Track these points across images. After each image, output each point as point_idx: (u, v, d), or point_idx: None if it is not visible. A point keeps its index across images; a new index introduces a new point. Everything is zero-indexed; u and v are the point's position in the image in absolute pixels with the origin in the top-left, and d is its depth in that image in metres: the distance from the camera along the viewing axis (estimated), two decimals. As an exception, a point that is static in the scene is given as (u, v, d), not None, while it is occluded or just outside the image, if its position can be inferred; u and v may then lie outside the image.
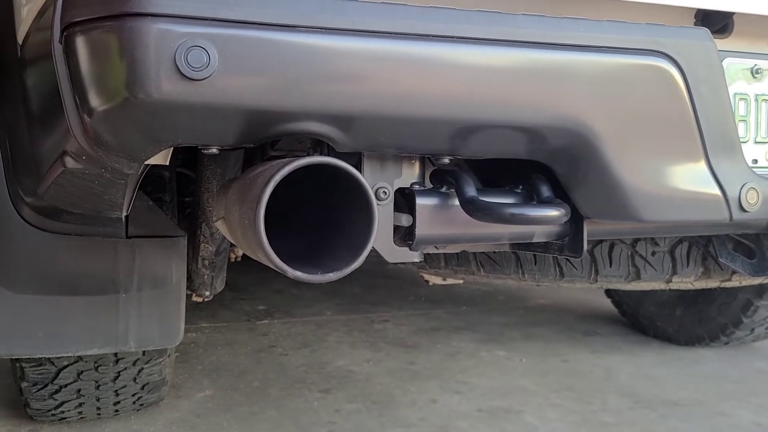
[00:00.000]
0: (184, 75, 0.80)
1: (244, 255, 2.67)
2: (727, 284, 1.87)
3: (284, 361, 2.45)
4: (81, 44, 0.84)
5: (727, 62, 1.11)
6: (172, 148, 1.05)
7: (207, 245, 1.75)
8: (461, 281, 2.48)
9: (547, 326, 3.00)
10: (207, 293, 1.92)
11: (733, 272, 1.78)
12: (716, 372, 2.44)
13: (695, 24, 1.13)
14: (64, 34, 0.87)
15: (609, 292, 3.00)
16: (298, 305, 3.30)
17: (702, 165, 1.06)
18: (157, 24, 0.80)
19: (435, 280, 2.36)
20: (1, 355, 1.52)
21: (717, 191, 1.07)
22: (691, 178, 1.06)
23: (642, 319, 2.86)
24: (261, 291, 3.59)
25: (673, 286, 1.90)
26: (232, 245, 2.07)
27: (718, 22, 1.13)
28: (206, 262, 1.80)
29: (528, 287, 3.70)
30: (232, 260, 2.68)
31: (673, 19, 1.11)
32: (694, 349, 2.67)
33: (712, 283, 1.87)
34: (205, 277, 1.84)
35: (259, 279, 3.82)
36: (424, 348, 2.64)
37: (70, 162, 1.05)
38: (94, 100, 0.85)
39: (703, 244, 1.78)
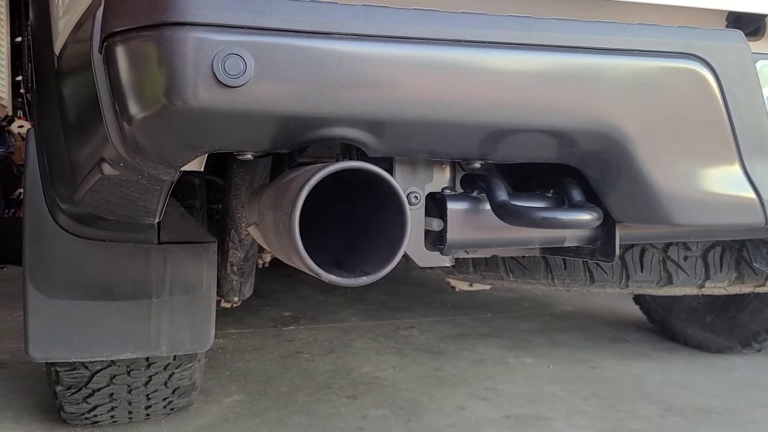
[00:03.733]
0: (221, 82, 0.82)
1: (271, 261, 2.69)
2: (762, 289, 1.84)
3: (311, 367, 2.46)
4: (121, 54, 0.86)
5: (761, 64, 1.10)
6: (206, 155, 1.07)
7: (236, 251, 1.77)
8: (488, 287, 2.48)
9: (573, 333, 2.98)
10: (235, 299, 1.94)
11: (768, 277, 1.75)
12: (748, 379, 2.40)
13: (727, 26, 1.12)
14: (104, 44, 0.89)
15: (637, 299, 2.97)
16: (323, 311, 3.31)
17: (736, 168, 1.05)
18: (195, 33, 0.82)
19: (461, 286, 2.35)
20: (38, 359, 1.55)
21: (752, 194, 1.06)
22: (725, 181, 1.05)
23: (671, 326, 2.82)
24: (286, 297, 3.61)
25: (706, 291, 1.87)
26: (260, 251, 2.09)
27: (750, 25, 1.12)
28: (235, 268, 1.82)
29: (553, 294, 3.68)
30: (260, 266, 2.70)
31: (705, 21, 1.10)
32: (725, 356, 2.63)
33: (746, 289, 1.85)
34: (234, 282, 1.86)
35: (284, 285, 3.85)
36: (450, 354, 2.63)
37: (107, 169, 1.07)
38: (134, 108, 0.87)
39: (737, 248, 1.75)
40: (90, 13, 1.01)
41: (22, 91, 6.69)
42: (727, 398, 2.21)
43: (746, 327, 2.52)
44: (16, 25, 6.70)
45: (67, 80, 1.28)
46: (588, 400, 2.17)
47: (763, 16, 1.11)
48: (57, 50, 1.33)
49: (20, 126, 5.68)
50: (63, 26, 1.27)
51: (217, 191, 1.90)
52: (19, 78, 6.65)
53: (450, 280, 2.31)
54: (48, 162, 1.47)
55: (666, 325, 2.85)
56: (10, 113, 6.27)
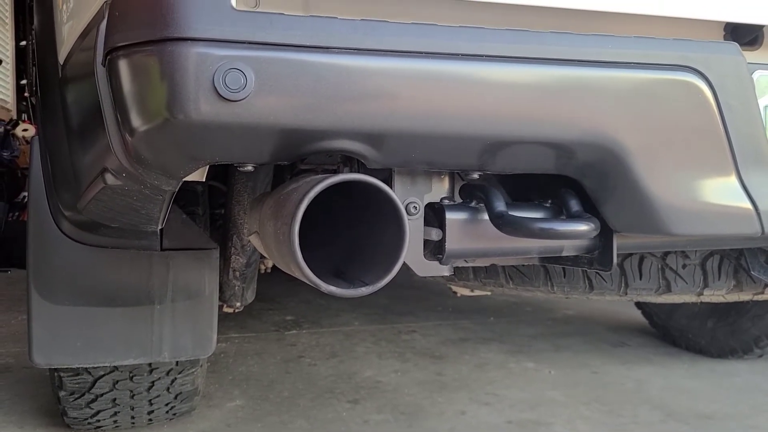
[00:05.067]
0: (221, 96, 0.83)
1: (273, 266, 2.70)
2: (760, 297, 1.84)
3: (313, 372, 2.47)
4: (124, 67, 0.88)
5: (757, 75, 1.10)
6: (208, 165, 1.08)
7: (238, 257, 1.78)
8: (489, 293, 2.48)
9: (575, 337, 2.98)
10: (238, 304, 1.95)
11: (766, 285, 1.76)
12: (749, 385, 2.40)
13: (724, 37, 1.13)
14: (108, 57, 0.90)
15: (639, 304, 2.97)
16: (325, 315, 3.32)
17: (732, 179, 1.05)
18: (196, 48, 0.83)
19: (463, 291, 2.36)
20: (41, 365, 1.56)
21: (748, 205, 1.07)
22: (721, 191, 1.06)
23: (673, 331, 2.82)
24: (289, 301, 3.63)
25: (705, 299, 1.88)
26: (262, 257, 2.10)
27: (747, 35, 1.12)
28: (237, 274, 1.83)
29: (555, 298, 3.68)
30: (262, 272, 2.71)
31: (702, 33, 1.11)
32: (726, 361, 2.63)
33: (745, 296, 1.85)
34: (236, 288, 1.87)
35: (286, 289, 3.86)
36: (452, 359, 2.64)
37: (110, 179, 1.08)
38: (136, 121, 0.88)
39: (735, 256, 1.76)
40: (94, 24, 1.03)
41: (26, 94, 6.73)
42: (729, 404, 2.22)
43: (747, 332, 2.52)
44: (20, 29, 6.74)
45: (71, 89, 1.30)
46: (589, 406, 2.18)
47: (759, 26, 1.12)
48: (61, 58, 1.34)
49: (24, 129, 5.71)
50: (67, 33, 1.28)
51: (219, 197, 1.92)
52: (24, 81, 6.69)
53: (452, 286, 2.32)
54: (52, 169, 1.49)
55: (668, 330, 2.85)
56: (15, 117, 6.31)
